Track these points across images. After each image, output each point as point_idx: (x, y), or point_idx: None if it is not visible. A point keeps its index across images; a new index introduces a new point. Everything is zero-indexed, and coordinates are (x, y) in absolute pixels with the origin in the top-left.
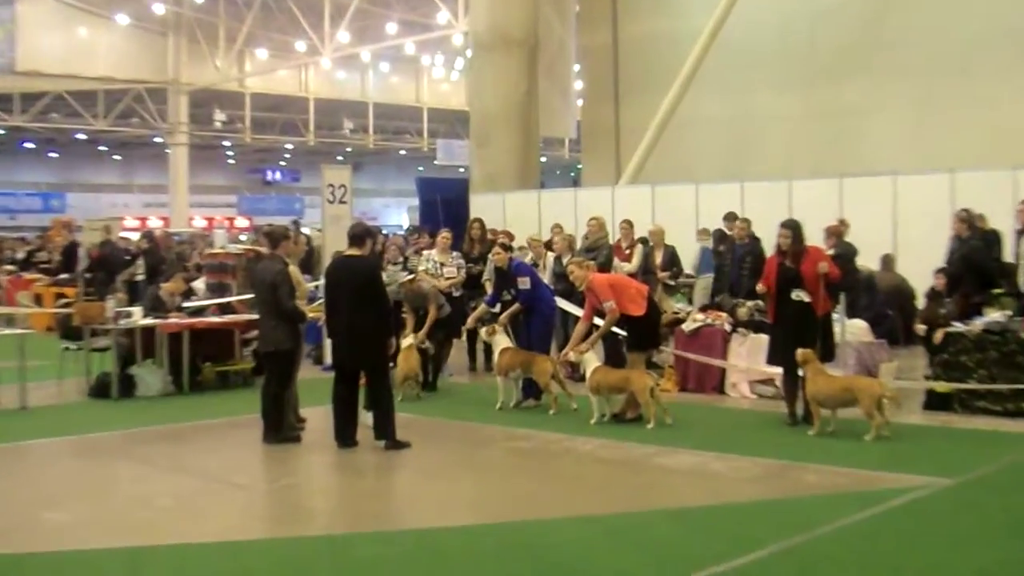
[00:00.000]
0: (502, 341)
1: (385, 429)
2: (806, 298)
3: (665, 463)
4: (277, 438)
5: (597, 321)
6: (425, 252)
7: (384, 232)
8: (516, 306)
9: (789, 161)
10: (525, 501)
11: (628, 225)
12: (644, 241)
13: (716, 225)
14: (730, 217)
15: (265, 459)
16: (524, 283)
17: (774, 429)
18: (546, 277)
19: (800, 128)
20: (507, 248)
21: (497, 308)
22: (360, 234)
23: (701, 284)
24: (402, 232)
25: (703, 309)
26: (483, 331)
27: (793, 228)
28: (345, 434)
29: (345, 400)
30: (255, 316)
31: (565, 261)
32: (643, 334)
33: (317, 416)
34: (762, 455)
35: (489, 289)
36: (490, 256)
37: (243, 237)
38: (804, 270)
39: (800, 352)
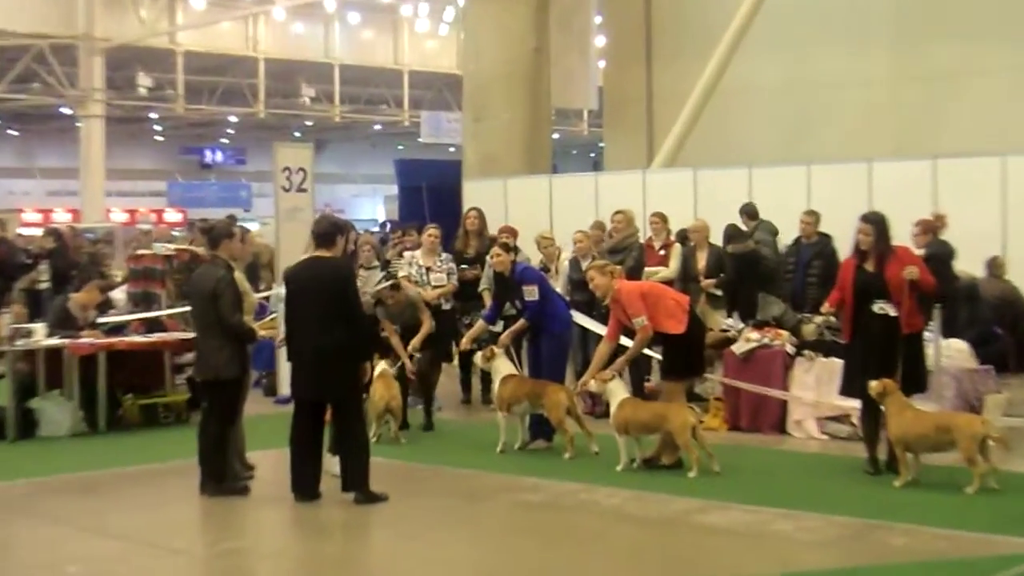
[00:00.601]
0: (504, 367)
1: (356, 478)
2: (892, 312)
3: (711, 522)
4: (219, 489)
5: (625, 341)
6: (407, 254)
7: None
8: (521, 323)
9: (867, 138)
10: (532, 571)
11: (661, 219)
12: (683, 239)
13: (774, 218)
14: (750, 212)
15: (204, 516)
16: (531, 293)
17: (850, 479)
18: (559, 285)
19: (881, 97)
20: (509, 249)
21: (498, 326)
22: (328, 231)
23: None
24: (376, 228)
25: (759, 326)
26: (479, 355)
27: (876, 223)
28: (305, 484)
29: (305, 441)
30: (191, 335)
31: (585, 265)
32: (683, 357)
33: (269, 461)
34: (836, 512)
35: (487, 301)
36: (488, 259)
37: (176, 234)
38: (889, 276)
39: (873, 385)
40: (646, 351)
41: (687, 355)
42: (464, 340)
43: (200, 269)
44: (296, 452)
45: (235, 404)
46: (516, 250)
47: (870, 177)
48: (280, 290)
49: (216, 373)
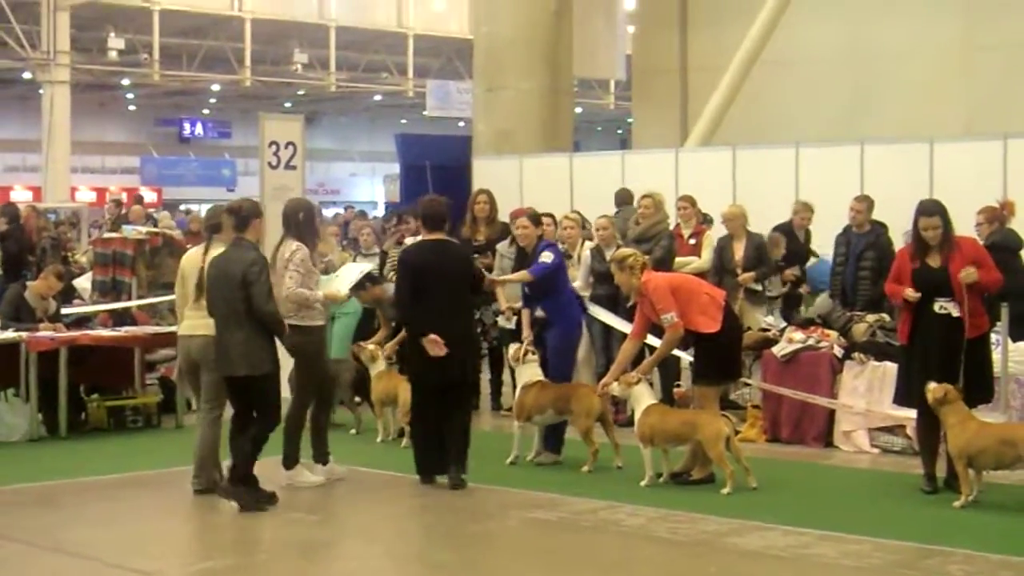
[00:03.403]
0: (528, 372)
1: (460, 458)
2: (955, 312)
3: (747, 544)
4: (255, 502)
5: (652, 341)
6: (408, 241)
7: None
8: (523, 273)
9: (931, 116)
10: None
11: (689, 203)
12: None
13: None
14: (803, 211)
15: (178, 532)
16: (547, 257)
17: (904, 498)
18: (580, 277)
19: (949, 70)
20: (539, 222)
21: (511, 322)
22: (440, 213)
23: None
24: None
25: (804, 326)
26: (511, 350)
27: (942, 214)
28: (430, 468)
29: (434, 428)
30: (164, 329)
31: (609, 255)
32: (716, 360)
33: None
34: (886, 535)
35: (500, 296)
36: (500, 249)
37: (164, 215)
38: (953, 271)
39: (937, 387)
40: (676, 352)
41: (721, 357)
42: (525, 328)
43: (226, 253)
44: (423, 437)
45: (276, 401)
46: (541, 223)
47: (931, 159)
48: None
49: (247, 369)
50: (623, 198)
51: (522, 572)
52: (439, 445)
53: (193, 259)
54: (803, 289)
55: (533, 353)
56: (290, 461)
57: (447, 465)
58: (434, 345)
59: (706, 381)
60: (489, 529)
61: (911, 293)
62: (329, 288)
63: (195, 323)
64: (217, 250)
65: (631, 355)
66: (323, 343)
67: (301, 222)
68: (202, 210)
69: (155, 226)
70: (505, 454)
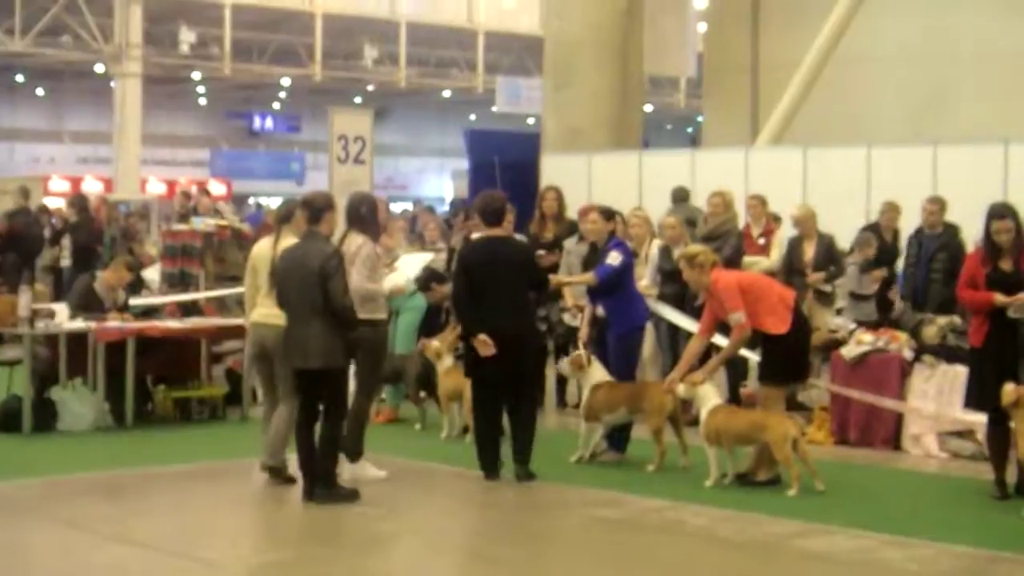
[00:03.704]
0: (597, 374)
1: (524, 452)
2: None
3: (812, 547)
4: (330, 495)
5: (719, 340)
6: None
7: (421, 205)
8: (588, 276)
9: (1004, 116)
10: None
11: (759, 202)
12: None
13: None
14: (890, 211)
15: (240, 524)
16: (614, 259)
17: (973, 503)
18: (647, 275)
19: (1022, 69)
20: (611, 216)
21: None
22: (499, 208)
23: None
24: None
25: (873, 327)
26: (566, 363)
27: (1015, 216)
28: (494, 465)
29: (496, 423)
30: (232, 321)
31: (676, 254)
32: (783, 361)
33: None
34: (954, 541)
35: (567, 294)
36: (568, 246)
37: (227, 207)
38: None
39: (1008, 390)
40: (743, 352)
41: (788, 358)
42: (583, 328)
43: (301, 246)
44: (483, 433)
45: (346, 395)
46: (614, 217)
47: (1006, 161)
48: None
49: (325, 361)
50: (680, 195)
51: (584, 570)
52: (499, 440)
53: (263, 250)
54: (892, 292)
55: (586, 352)
56: (354, 455)
57: (514, 458)
58: (483, 345)
59: (772, 382)
60: (551, 526)
61: (1001, 299)
62: (393, 282)
63: (269, 312)
64: (287, 241)
65: (697, 353)
66: (386, 337)
67: (364, 215)
68: (272, 204)
69: (220, 218)
70: (569, 451)
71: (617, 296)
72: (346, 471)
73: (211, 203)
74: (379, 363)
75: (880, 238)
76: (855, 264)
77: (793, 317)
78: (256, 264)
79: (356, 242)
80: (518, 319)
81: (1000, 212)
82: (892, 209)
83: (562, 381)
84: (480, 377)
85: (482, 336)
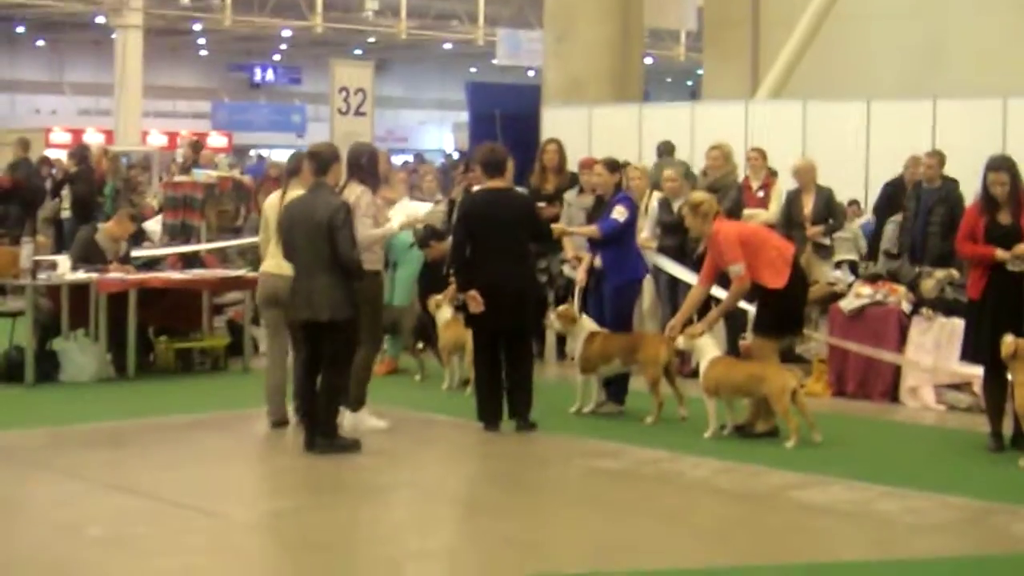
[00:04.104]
0: (588, 325)
1: (522, 406)
2: None
3: (810, 498)
4: (331, 446)
5: (717, 292)
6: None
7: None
8: (592, 228)
9: (1003, 71)
10: (607, 547)
11: (759, 155)
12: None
13: (895, 159)
14: (913, 166)
15: (243, 474)
16: (620, 213)
17: (969, 455)
18: (647, 228)
19: (1022, 23)
20: (616, 168)
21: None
22: (498, 160)
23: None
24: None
25: (872, 280)
26: (552, 317)
27: (1010, 169)
28: (493, 415)
29: (495, 373)
30: (233, 272)
31: (676, 206)
32: (778, 314)
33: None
34: (950, 492)
35: (568, 246)
36: (568, 198)
37: (221, 159)
38: None
39: (1007, 342)
40: (742, 304)
41: (782, 312)
42: (580, 273)
43: (308, 197)
44: (484, 384)
45: (352, 348)
46: (620, 169)
47: (1005, 115)
48: None
49: (331, 313)
50: (665, 149)
51: (583, 520)
52: (499, 392)
53: (274, 203)
54: None
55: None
56: (357, 404)
57: (512, 411)
58: (473, 302)
59: (765, 334)
60: (551, 477)
61: (1002, 254)
62: (409, 212)
63: (281, 262)
64: (295, 194)
65: (698, 301)
66: (383, 287)
67: (364, 166)
68: (273, 156)
69: (215, 170)
70: (569, 403)
71: (616, 249)
72: (347, 420)
73: (212, 155)
74: (379, 312)
75: (829, 194)
76: (895, 223)
77: (791, 271)
78: (268, 215)
79: (355, 192)
80: (518, 272)
81: (996, 164)
82: (916, 163)
83: (539, 332)
84: (480, 329)
85: (473, 292)
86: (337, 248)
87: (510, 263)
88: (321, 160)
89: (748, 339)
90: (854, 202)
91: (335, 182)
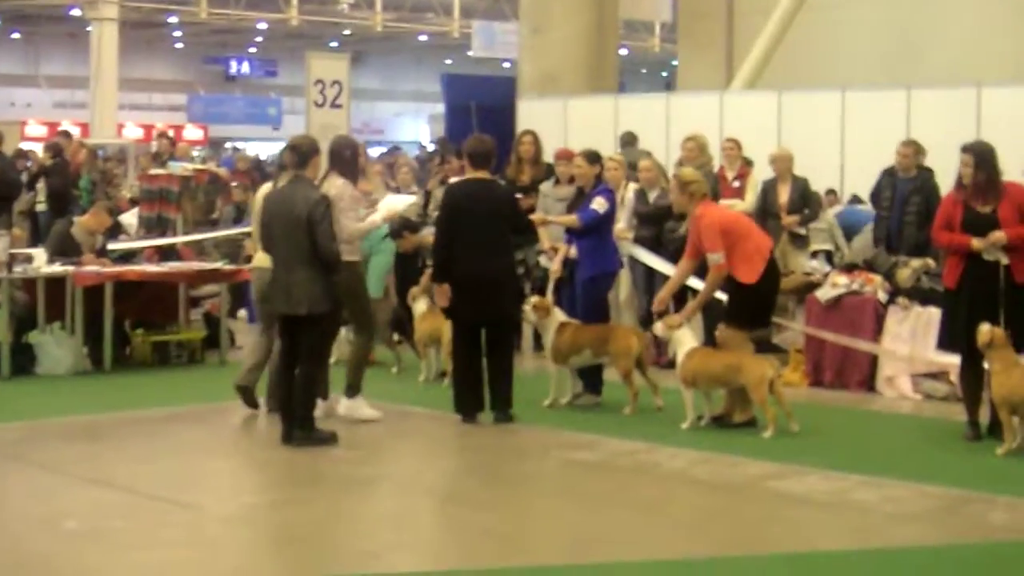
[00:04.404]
0: (559, 316)
1: (502, 399)
2: (1004, 259)
3: (787, 488)
4: (308, 439)
5: (693, 283)
6: (453, 181)
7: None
8: (571, 218)
9: (977, 59)
10: (584, 539)
11: (734, 145)
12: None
13: (870, 149)
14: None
15: (219, 467)
16: (600, 205)
17: (946, 444)
18: (623, 218)
19: (995, 12)
20: (595, 160)
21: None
22: (485, 151)
23: (859, 241)
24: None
25: (848, 270)
26: (528, 309)
27: (977, 153)
28: (470, 407)
29: (471, 365)
30: (209, 265)
31: (653, 196)
32: (747, 308)
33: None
34: (927, 481)
35: (543, 237)
36: (544, 190)
37: (196, 153)
38: (1003, 216)
39: (984, 330)
40: (718, 294)
41: (752, 306)
42: (555, 264)
43: (287, 189)
44: (462, 376)
45: (329, 342)
46: (599, 161)
47: (979, 104)
48: None
49: (309, 307)
50: (627, 139)
51: (561, 511)
52: (478, 384)
53: (264, 194)
54: None
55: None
56: (352, 391)
57: (492, 403)
58: (441, 295)
59: (735, 325)
60: (529, 469)
61: (978, 243)
62: (390, 206)
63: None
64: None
65: (686, 275)
66: (362, 277)
67: (347, 159)
68: (247, 149)
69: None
70: (546, 395)
71: (592, 240)
72: (342, 405)
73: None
74: (366, 299)
75: (805, 184)
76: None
77: (765, 267)
78: (258, 208)
79: (336, 185)
80: (497, 263)
81: (964, 147)
82: (780, 159)
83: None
84: (460, 320)
85: (444, 285)
86: (317, 242)
87: (490, 254)
88: (301, 152)
89: (720, 329)
90: (831, 191)
91: (315, 175)
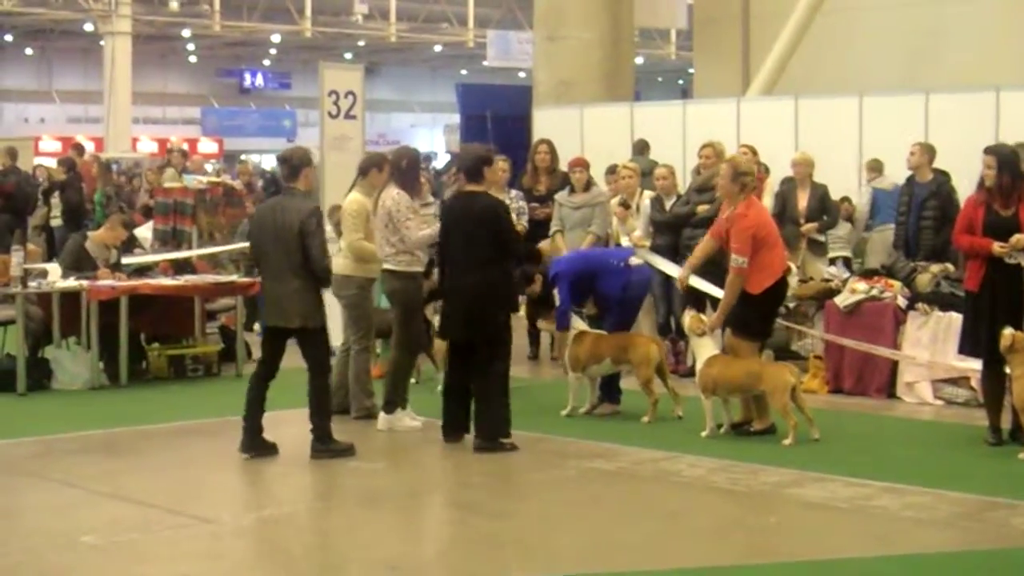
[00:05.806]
0: (577, 325)
1: (487, 426)
2: None
3: (808, 496)
4: (326, 450)
5: (711, 290)
6: (447, 195)
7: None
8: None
9: (996, 63)
10: (605, 548)
11: (750, 151)
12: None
13: (889, 154)
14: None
15: (236, 481)
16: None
17: (968, 450)
18: (639, 226)
19: (1014, 15)
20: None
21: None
22: (476, 164)
23: (877, 239)
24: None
25: (867, 276)
26: (543, 323)
27: (1000, 156)
28: (454, 427)
29: (458, 383)
30: (225, 278)
31: (669, 204)
32: (749, 317)
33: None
34: (949, 487)
35: (560, 244)
36: (559, 199)
37: (210, 166)
38: None
39: (1006, 334)
40: (710, 290)
41: (754, 317)
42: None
43: (279, 201)
44: (448, 394)
45: (328, 353)
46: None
47: (997, 108)
48: None
49: (303, 321)
50: (639, 147)
51: (581, 520)
52: (461, 405)
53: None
54: None
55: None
56: (391, 406)
57: (475, 429)
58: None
59: (739, 335)
60: (548, 479)
61: (999, 248)
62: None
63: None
64: (356, 195)
65: (709, 252)
66: (422, 290)
67: (404, 169)
68: (262, 161)
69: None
70: (564, 404)
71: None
72: (381, 420)
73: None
74: (415, 315)
75: (824, 191)
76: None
77: (773, 284)
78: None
79: (391, 195)
80: (478, 278)
81: (987, 149)
82: (800, 165)
83: (534, 333)
84: (445, 337)
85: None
86: (309, 254)
87: (471, 269)
88: (292, 165)
89: (727, 335)
90: (846, 199)
91: (306, 187)
